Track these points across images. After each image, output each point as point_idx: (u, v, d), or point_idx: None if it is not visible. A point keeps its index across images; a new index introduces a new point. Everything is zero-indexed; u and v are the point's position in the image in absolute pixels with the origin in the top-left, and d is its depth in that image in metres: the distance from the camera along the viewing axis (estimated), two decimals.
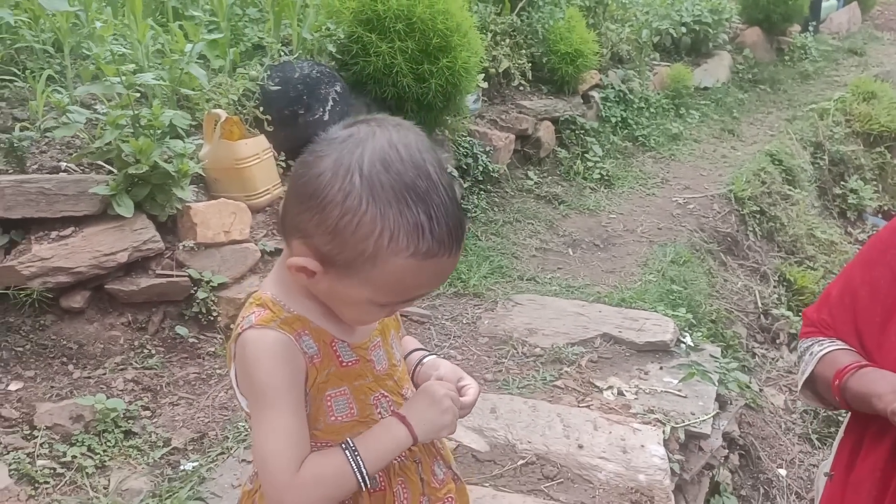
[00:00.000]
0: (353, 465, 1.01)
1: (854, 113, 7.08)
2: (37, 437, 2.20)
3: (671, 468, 2.34)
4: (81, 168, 2.86)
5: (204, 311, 2.81)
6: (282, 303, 1.04)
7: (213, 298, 2.82)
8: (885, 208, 6.91)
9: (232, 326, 2.87)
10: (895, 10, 10.61)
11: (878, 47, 9.19)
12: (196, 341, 2.80)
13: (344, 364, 1.07)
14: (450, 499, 1.20)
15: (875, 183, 6.85)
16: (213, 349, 2.81)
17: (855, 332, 1.39)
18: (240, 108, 3.24)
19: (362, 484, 1.02)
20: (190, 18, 4.17)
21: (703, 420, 2.60)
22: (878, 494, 1.30)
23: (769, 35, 7.93)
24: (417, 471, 1.16)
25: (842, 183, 6.50)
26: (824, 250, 5.47)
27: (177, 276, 2.80)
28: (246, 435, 2.38)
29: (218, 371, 2.70)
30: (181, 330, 2.79)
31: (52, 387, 2.43)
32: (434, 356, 1.23)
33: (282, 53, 3.56)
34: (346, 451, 1.03)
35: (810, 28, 8.54)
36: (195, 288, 2.81)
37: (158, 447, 2.29)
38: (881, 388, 1.24)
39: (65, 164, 2.85)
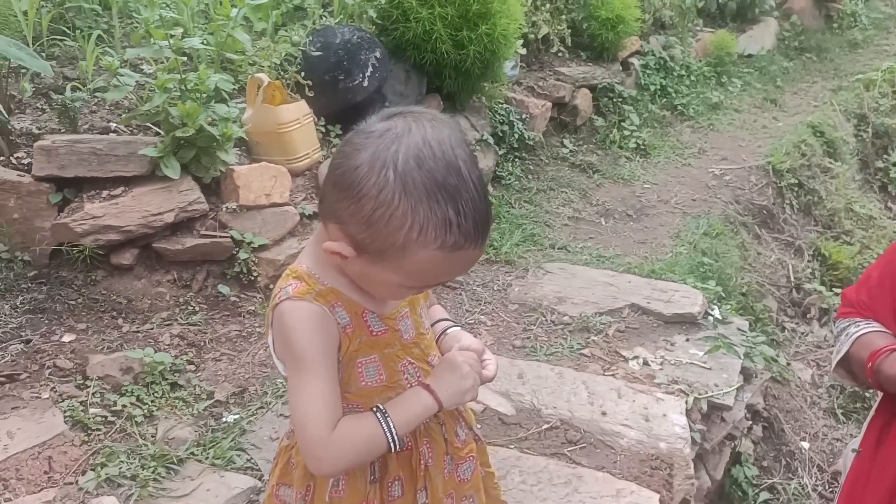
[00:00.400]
0: (385, 426, 1.10)
1: None
2: (89, 386, 2.34)
3: (692, 437, 2.40)
4: (130, 129, 2.97)
5: (245, 270, 2.92)
6: (317, 276, 1.11)
7: (253, 259, 2.93)
8: None
9: (271, 287, 2.99)
10: None
11: None
12: (237, 300, 2.92)
13: (374, 333, 1.14)
14: (471, 457, 1.29)
15: None
16: (252, 308, 2.92)
17: (893, 315, 1.42)
18: (282, 72, 3.31)
19: (392, 445, 1.10)
20: None
21: (727, 392, 2.65)
22: None
23: (818, 1, 7.69)
24: (441, 432, 1.24)
25: (885, 156, 6.36)
26: (862, 225, 5.40)
27: (220, 236, 2.91)
28: (283, 391, 2.50)
29: (258, 329, 2.82)
30: (223, 288, 2.90)
31: (103, 339, 2.57)
32: (458, 328, 1.30)
33: (323, 17, 3.59)
34: (378, 415, 1.11)
35: None
36: (237, 248, 2.92)
37: (202, 399, 2.42)
38: None
39: (114, 125, 2.96)
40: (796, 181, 5.08)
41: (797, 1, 7.54)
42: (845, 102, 6.40)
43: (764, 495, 2.92)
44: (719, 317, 3.15)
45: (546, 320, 3.03)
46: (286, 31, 3.56)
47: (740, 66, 6.58)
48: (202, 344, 2.69)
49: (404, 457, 1.21)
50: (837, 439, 3.56)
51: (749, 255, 4.33)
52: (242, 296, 2.95)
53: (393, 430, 1.10)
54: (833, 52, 7.48)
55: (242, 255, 2.90)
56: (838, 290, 4.45)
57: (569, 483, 2.10)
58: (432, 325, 1.30)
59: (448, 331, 1.30)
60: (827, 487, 3.26)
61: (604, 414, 2.41)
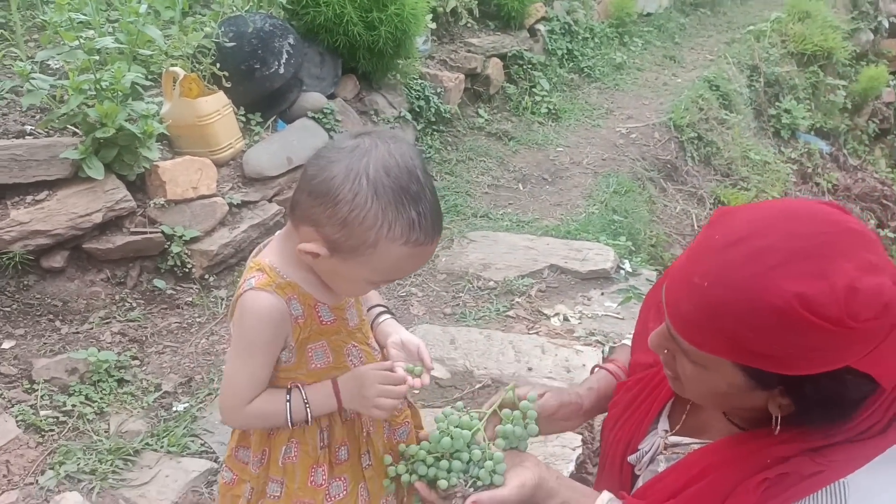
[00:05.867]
0: (288, 409, 1.29)
1: (789, 33, 7.34)
2: (37, 389, 2.41)
3: None
4: (46, 132, 2.96)
5: (179, 263, 2.99)
6: (278, 269, 1.26)
7: (186, 252, 3.00)
8: (818, 126, 7.29)
9: (206, 277, 3.07)
10: None
11: None
12: (174, 293, 3.00)
13: (323, 323, 1.30)
14: (406, 423, 1.47)
15: (808, 102, 7.20)
16: (190, 299, 3.01)
17: None
18: (196, 64, 3.33)
19: (290, 423, 1.29)
20: None
21: None
22: None
23: None
24: None
25: (776, 104, 6.82)
26: (758, 171, 5.83)
27: (150, 232, 2.97)
28: None
29: (198, 320, 2.92)
30: (159, 283, 2.97)
31: (43, 343, 2.62)
32: (391, 317, 1.46)
33: (232, 7, 3.60)
34: (289, 395, 1.29)
35: None
36: (168, 243, 2.98)
37: (150, 392, 2.52)
38: None
39: (30, 128, 2.94)
40: (696, 134, 5.43)
41: None
42: (738, 55, 6.80)
43: None
44: (630, 269, 3.43)
45: (473, 287, 3.24)
46: (194, 18, 3.56)
47: (640, 26, 6.87)
48: (144, 339, 2.76)
49: (349, 425, 1.38)
50: None
51: (656, 208, 4.65)
52: (178, 288, 3.03)
53: (291, 413, 1.28)
54: (726, 6, 7.88)
55: (175, 249, 2.97)
56: None
57: None
58: (368, 309, 1.45)
59: (382, 319, 1.45)
60: None
61: (530, 370, 2.64)
